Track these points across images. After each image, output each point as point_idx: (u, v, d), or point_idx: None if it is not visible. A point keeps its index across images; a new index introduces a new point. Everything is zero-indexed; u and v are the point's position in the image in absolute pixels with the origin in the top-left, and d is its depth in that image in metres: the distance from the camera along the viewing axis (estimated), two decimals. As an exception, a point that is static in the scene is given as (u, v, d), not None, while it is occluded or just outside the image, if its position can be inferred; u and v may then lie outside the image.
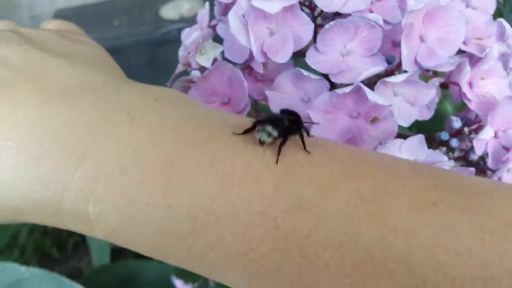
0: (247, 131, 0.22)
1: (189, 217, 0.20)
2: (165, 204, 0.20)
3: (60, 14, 1.52)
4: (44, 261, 1.36)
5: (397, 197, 0.19)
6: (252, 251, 0.19)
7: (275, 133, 0.22)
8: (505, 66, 0.31)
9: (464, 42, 0.29)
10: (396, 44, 0.30)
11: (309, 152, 0.21)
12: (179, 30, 1.29)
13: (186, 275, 0.90)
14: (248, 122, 0.23)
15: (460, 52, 0.30)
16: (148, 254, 0.22)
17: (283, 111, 0.25)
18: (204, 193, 0.20)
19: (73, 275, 1.32)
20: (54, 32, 0.29)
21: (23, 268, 0.64)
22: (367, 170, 0.20)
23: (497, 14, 0.62)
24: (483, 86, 0.30)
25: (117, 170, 0.20)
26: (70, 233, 1.39)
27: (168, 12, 1.42)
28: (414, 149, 0.28)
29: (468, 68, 0.28)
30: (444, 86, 0.33)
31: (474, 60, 0.30)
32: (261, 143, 0.21)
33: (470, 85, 0.30)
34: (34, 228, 1.37)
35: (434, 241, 0.18)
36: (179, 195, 0.20)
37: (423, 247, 0.18)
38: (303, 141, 0.22)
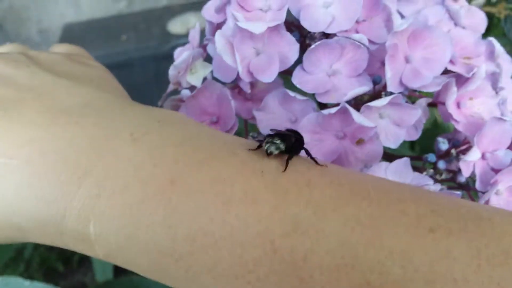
0: (259, 147, 0.23)
1: (188, 238, 0.20)
2: (165, 224, 0.20)
3: (69, 29, 1.53)
4: (49, 275, 1.36)
5: (394, 222, 0.19)
6: (249, 273, 0.19)
7: (282, 146, 0.22)
8: (494, 86, 0.31)
9: (452, 62, 0.29)
10: (384, 64, 0.30)
11: (323, 165, 0.22)
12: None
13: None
14: (250, 142, 0.23)
15: (447, 72, 0.30)
16: (147, 275, 0.22)
17: (289, 130, 0.25)
18: (203, 213, 0.20)
19: (77, 289, 1.32)
20: (62, 55, 0.30)
21: (26, 283, 0.64)
22: (365, 194, 0.20)
23: (499, 31, 0.62)
24: (471, 106, 0.30)
25: (119, 188, 0.20)
26: (76, 247, 1.39)
27: (175, 26, 1.43)
28: (400, 172, 0.28)
29: (454, 88, 0.28)
30: (433, 105, 0.33)
31: (462, 80, 0.29)
32: (268, 154, 0.22)
33: (458, 105, 0.30)
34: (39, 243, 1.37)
35: (431, 267, 0.18)
36: (179, 215, 0.20)
37: (420, 273, 0.18)
38: (312, 158, 0.23)
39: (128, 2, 1.61)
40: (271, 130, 0.26)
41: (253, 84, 0.33)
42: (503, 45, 0.61)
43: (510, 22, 0.58)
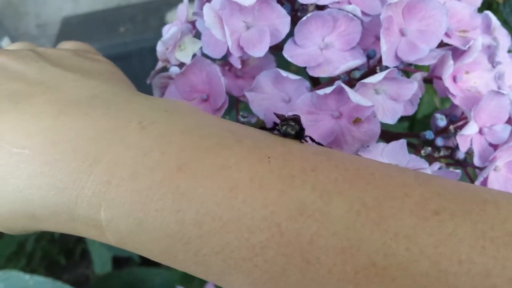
0: (271, 129, 0.24)
1: (196, 222, 0.20)
2: (174, 209, 0.20)
3: (67, 22, 1.53)
4: (51, 268, 1.36)
5: (399, 205, 0.19)
6: (256, 256, 0.20)
7: (297, 127, 0.23)
8: (491, 60, 0.30)
9: (447, 35, 0.29)
10: (379, 39, 0.30)
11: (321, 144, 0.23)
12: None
13: (190, 283, 0.90)
14: (256, 130, 0.24)
15: (443, 45, 0.29)
16: (157, 259, 0.22)
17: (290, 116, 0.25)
18: (210, 198, 0.20)
19: (81, 282, 1.32)
20: (69, 51, 0.30)
21: (27, 276, 0.64)
22: (370, 178, 0.21)
23: (499, 17, 0.61)
24: (467, 80, 0.29)
25: (128, 174, 0.21)
26: (77, 241, 1.39)
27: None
28: (396, 154, 0.27)
29: (450, 61, 0.27)
30: (428, 81, 0.32)
31: (457, 53, 0.29)
32: (285, 135, 0.23)
33: (454, 79, 0.29)
34: (41, 236, 1.37)
35: (436, 249, 0.18)
36: (187, 200, 0.20)
37: (425, 254, 0.18)
38: (313, 141, 0.24)
39: (126, -6, 1.61)
40: (278, 115, 0.26)
41: (244, 61, 0.33)
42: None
43: (509, 7, 0.57)
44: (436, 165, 0.27)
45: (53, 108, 0.23)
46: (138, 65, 1.32)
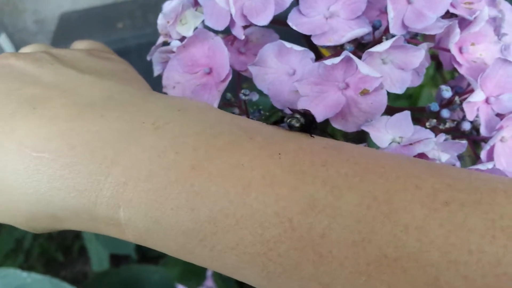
0: (276, 123, 0.25)
1: (210, 219, 0.21)
2: (188, 207, 0.21)
3: (65, 18, 1.52)
4: (50, 265, 1.35)
5: (409, 197, 0.20)
6: (270, 250, 0.20)
7: (302, 120, 0.24)
8: (497, 32, 0.29)
9: (453, 6, 0.28)
10: (383, 12, 0.29)
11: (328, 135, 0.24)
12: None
13: (188, 281, 0.90)
14: (267, 126, 0.24)
15: (449, 16, 0.29)
16: (175, 255, 0.23)
17: (301, 111, 0.26)
18: (224, 196, 0.21)
19: (78, 279, 1.32)
20: (83, 51, 0.31)
21: (24, 274, 0.64)
22: (381, 171, 0.21)
23: None
24: (473, 51, 0.29)
25: (144, 175, 0.22)
26: (75, 238, 1.38)
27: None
28: (400, 125, 0.27)
29: (457, 29, 0.27)
30: (433, 58, 0.31)
31: (464, 24, 0.28)
32: (290, 127, 0.24)
33: (460, 50, 0.28)
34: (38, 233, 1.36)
35: (446, 239, 0.19)
36: (201, 198, 0.21)
37: (435, 245, 0.19)
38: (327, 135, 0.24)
39: (124, -10, 1.60)
40: (289, 108, 0.27)
41: (247, 38, 0.32)
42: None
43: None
44: (442, 137, 0.27)
45: (69, 111, 0.24)
46: (136, 61, 1.31)
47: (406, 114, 0.27)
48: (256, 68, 0.29)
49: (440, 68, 0.41)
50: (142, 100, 0.25)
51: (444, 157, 0.26)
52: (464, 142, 0.27)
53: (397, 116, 0.27)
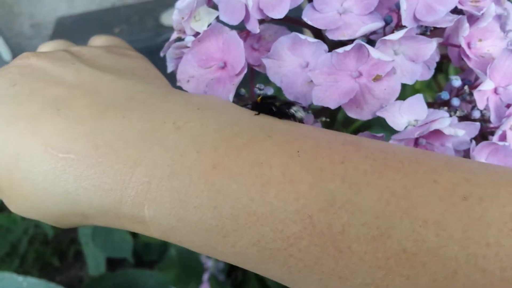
0: (260, 111, 0.26)
1: (232, 217, 0.21)
2: (211, 205, 0.22)
3: (61, 22, 1.53)
4: (45, 270, 1.35)
5: (428, 192, 0.20)
6: (291, 246, 0.21)
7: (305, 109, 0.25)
8: (503, 28, 0.30)
9: (461, 3, 0.29)
10: (392, 10, 0.30)
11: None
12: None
13: (184, 285, 0.90)
14: (284, 123, 0.25)
15: (458, 13, 0.30)
16: (198, 251, 0.24)
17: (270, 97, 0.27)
18: (245, 194, 0.21)
19: (74, 284, 1.31)
20: (102, 49, 0.32)
21: (20, 278, 0.63)
22: (399, 166, 0.21)
23: None
24: (481, 47, 0.30)
25: (167, 175, 0.22)
26: (71, 242, 1.38)
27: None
28: (414, 108, 0.27)
29: (466, 24, 0.28)
30: (443, 58, 0.32)
31: (471, 20, 0.29)
32: (299, 120, 0.25)
33: (469, 45, 0.29)
34: (34, 237, 1.36)
35: (465, 234, 0.19)
36: (222, 197, 0.22)
37: (454, 239, 0.19)
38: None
39: (121, -5, 1.61)
40: (267, 97, 0.27)
41: (260, 35, 0.33)
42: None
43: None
44: (455, 119, 0.28)
45: (93, 112, 0.25)
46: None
47: (419, 97, 0.27)
48: (269, 60, 0.29)
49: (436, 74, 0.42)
50: (162, 99, 0.26)
51: (461, 132, 0.27)
52: (477, 123, 0.28)
53: (410, 100, 0.27)
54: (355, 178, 0.21)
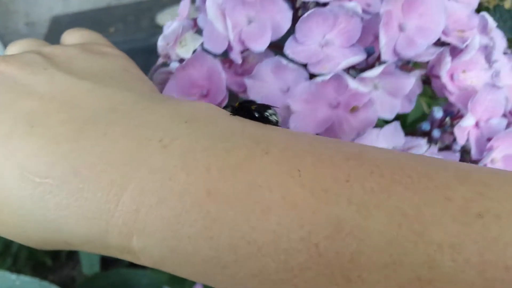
0: (236, 113, 0.24)
1: (231, 247, 0.20)
2: (207, 235, 0.20)
3: (56, 21, 1.52)
4: (38, 269, 1.35)
5: (441, 211, 0.19)
6: (295, 277, 0.19)
7: (278, 116, 0.24)
8: (488, 59, 0.30)
9: (445, 34, 0.29)
10: (377, 37, 0.30)
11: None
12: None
13: (177, 285, 0.90)
14: (281, 131, 0.23)
15: (441, 44, 0.30)
16: (196, 280, 0.22)
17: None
18: (244, 222, 0.19)
19: (66, 284, 1.31)
20: (77, 48, 0.29)
21: (13, 276, 0.64)
22: (407, 182, 0.20)
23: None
24: (464, 79, 0.30)
25: (155, 202, 0.20)
26: (64, 241, 1.38)
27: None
28: (391, 136, 0.27)
29: (448, 57, 0.28)
30: (425, 82, 0.32)
31: (455, 52, 0.29)
32: (273, 124, 0.24)
33: (452, 77, 0.29)
34: (27, 236, 1.36)
35: (482, 256, 0.18)
36: (219, 225, 0.20)
37: (471, 264, 0.18)
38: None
39: (116, -5, 1.60)
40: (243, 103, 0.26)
41: (244, 59, 0.33)
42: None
43: (499, 11, 0.58)
44: (434, 149, 0.28)
45: (70, 129, 0.23)
46: (128, 66, 1.32)
47: (396, 124, 0.27)
48: (251, 81, 0.29)
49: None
50: (146, 111, 0.24)
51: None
52: (457, 154, 0.28)
53: (388, 127, 0.27)
54: (363, 199, 0.19)
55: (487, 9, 0.61)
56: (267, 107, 0.25)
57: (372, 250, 0.18)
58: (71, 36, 0.35)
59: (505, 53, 0.34)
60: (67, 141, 0.22)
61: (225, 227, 0.20)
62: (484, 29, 0.32)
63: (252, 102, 0.26)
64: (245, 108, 0.25)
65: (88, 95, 0.24)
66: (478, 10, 0.37)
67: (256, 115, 0.24)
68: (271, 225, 0.19)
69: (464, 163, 0.22)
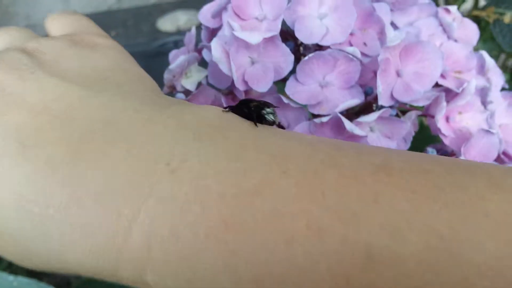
0: (235, 110, 0.23)
1: (253, 281, 0.18)
2: (226, 269, 0.18)
3: (57, 24, 1.52)
4: (33, 272, 1.35)
5: (478, 229, 0.17)
6: None
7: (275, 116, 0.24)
8: (483, 100, 0.31)
9: (443, 76, 0.30)
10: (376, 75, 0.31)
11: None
12: (176, 43, 1.29)
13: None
14: (294, 142, 0.21)
15: (438, 85, 0.31)
16: None
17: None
18: (266, 255, 0.18)
19: (61, 287, 1.31)
20: (65, 40, 0.27)
21: (11, 277, 0.64)
22: (441, 197, 0.18)
23: (488, 35, 0.63)
24: (460, 120, 0.31)
25: (167, 234, 0.19)
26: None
27: (165, 24, 1.42)
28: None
29: (443, 103, 0.29)
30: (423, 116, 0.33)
31: (452, 94, 0.30)
32: (269, 124, 0.23)
33: (447, 119, 0.30)
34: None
35: None
36: (239, 258, 0.18)
37: (509, 284, 0.16)
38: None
39: (117, -1, 1.61)
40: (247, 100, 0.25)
41: (247, 91, 0.34)
42: (491, 49, 0.61)
43: (498, 26, 0.58)
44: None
45: (65, 150, 0.21)
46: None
47: None
48: (254, 116, 0.30)
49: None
50: (148, 121, 0.22)
51: None
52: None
53: None
54: (395, 222, 0.17)
55: (487, 24, 0.62)
56: (266, 105, 0.24)
57: (406, 277, 0.17)
58: (58, 23, 0.32)
59: (503, 89, 0.35)
60: (63, 165, 0.20)
61: (245, 260, 0.18)
62: (481, 70, 0.32)
63: (253, 100, 0.25)
64: (244, 105, 0.24)
65: (82, 104, 0.22)
66: (478, 24, 0.37)
67: (251, 114, 0.23)
68: (296, 257, 0.18)
69: (491, 164, 0.21)
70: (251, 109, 0.23)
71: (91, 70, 0.25)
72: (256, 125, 0.22)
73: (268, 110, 0.24)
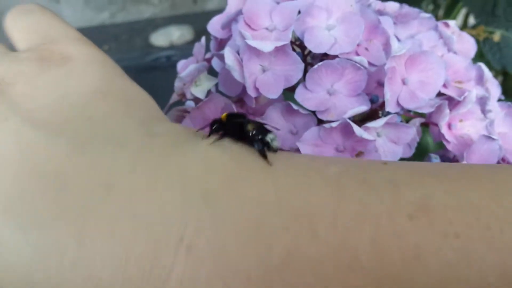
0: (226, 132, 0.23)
1: None
2: None
3: (51, 37, 1.53)
4: None
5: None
6: None
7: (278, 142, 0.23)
8: (483, 109, 0.32)
9: (444, 85, 0.31)
10: (381, 84, 0.32)
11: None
12: (169, 57, 1.30)
13: None
14: (320, 194, 0.19)
15: (440, 94, 0.32)
16: None
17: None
18: None
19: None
20: (33, 60, 0.24)
21: None
22: (488, 239, 0.17)
23: (478, 53, 0.65)
24: (461, 128, 0.32)
25: None
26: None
27: (158, 39, 1.44)
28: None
29: (447, 110, 0.30)
30: (425, 125, 0.34)
31: (453, 102, 0.31)
32: (274, 150, 0.22)
33: (449, 126, 0.31)
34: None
35: None
36: None
37: None
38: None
39: (110, 14, 1.61)
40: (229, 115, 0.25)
41: (256, 99, 0.35)
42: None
43: (488, 44, 0.60)
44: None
45: (67, 232, 0.18)
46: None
47: None
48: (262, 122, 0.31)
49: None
50: (148, 179, 0.19)
51: None
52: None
53: None
54: (439, 279, 0.16)
55: (477, 42, 0.64)
56: (265, 128, 0.24)
57: None
58: (21, 25, 0.28)
59: (500, 100, 0.36)
60: (68, 249, 0.18)
61: None
62: (480, 80, 0.34)
63: (240, 116, 0.25)
64: (235, 125, 0.24)
65: (72, 165, 0.20)
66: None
67: (255, 139, 0.22)
68: None
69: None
70: (254, 137, 0.22)
71: (69, 106, 0.22)
72: (270, 164, 0.21)
73: (271, 136, 0.23)
